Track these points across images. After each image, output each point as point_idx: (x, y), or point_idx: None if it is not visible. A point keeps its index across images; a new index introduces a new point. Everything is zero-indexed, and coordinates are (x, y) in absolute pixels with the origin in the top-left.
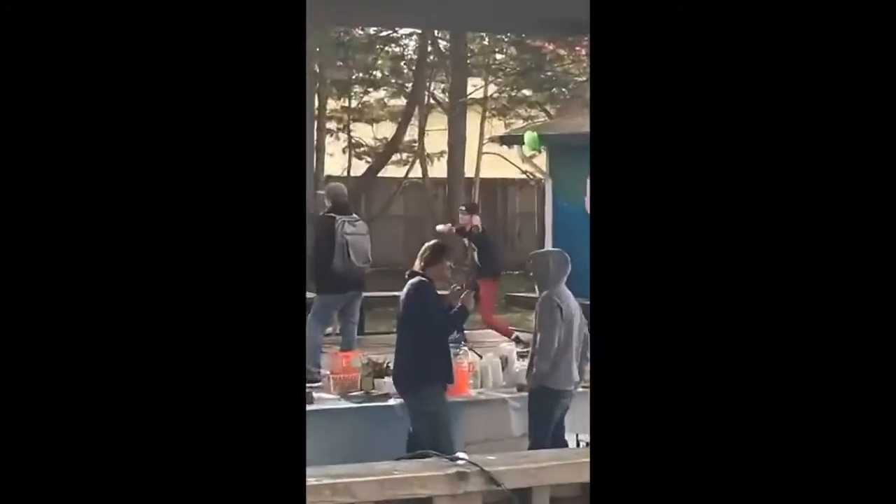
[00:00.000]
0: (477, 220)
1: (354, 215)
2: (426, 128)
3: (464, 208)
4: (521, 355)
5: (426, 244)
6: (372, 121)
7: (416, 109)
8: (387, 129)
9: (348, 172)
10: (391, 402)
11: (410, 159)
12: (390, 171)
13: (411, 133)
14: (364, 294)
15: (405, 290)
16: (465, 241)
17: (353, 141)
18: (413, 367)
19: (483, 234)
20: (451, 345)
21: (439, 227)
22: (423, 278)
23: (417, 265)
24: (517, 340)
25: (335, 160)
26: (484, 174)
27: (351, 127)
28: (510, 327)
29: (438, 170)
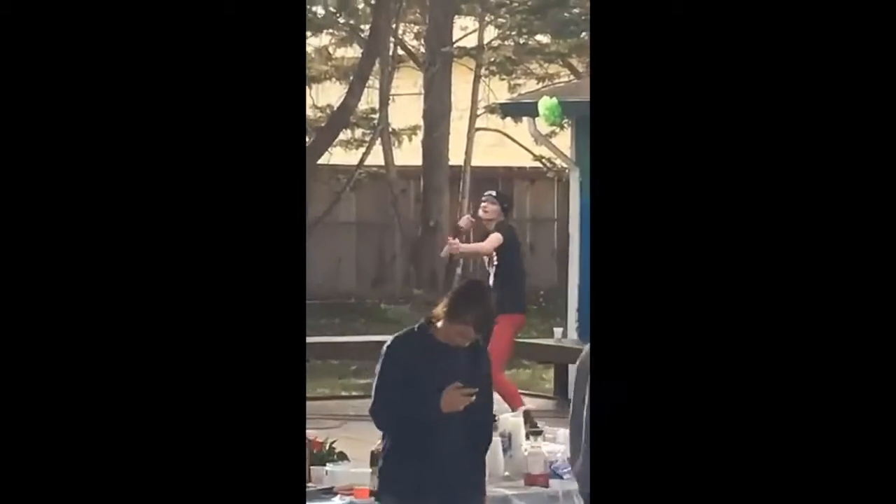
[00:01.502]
0: (488, 211)
1: None
2: (392, 92)
3: (493, 195)
4: (532, 433)
5: (464, 283)
6: (310, 80)
7: (377, 64)
8: (332, 93)
9: None
10: (338, 500)
11: (367, 138)
12: (338, 155)
13: (369, 99)
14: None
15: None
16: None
17: None
18: (387, 471)
19: (510, 240)
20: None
21: (459, 228)
22: (419, 329)
23: (440, 308)
24: (528, 419)
25: None
26: (478, 161)
27: None
28: (520, 396)
29: (409, 154)
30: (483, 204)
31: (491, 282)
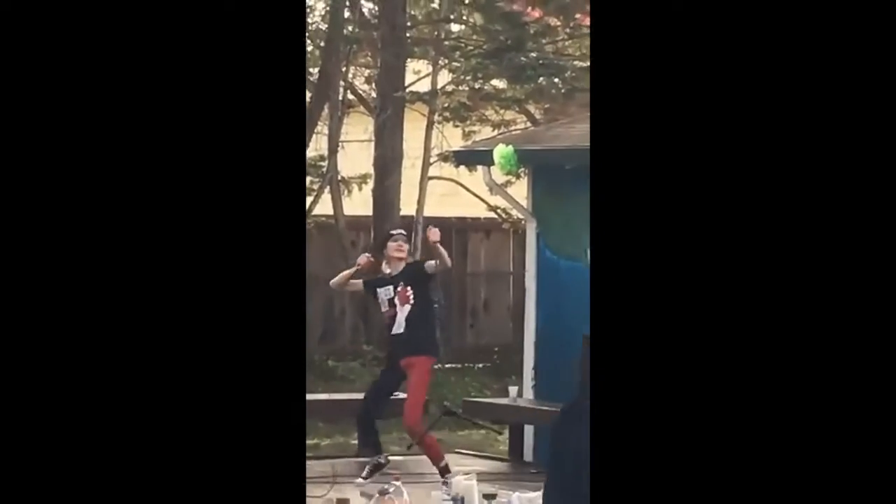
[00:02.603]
0: (403, 249)
1: None
2: (341, 138)
3: (404, 233)
4: (487, 496)
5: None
6: None
7: (326, 109)
8: None
9: None
10: None
11: (316, 186)
12: None
13: (317, 146)
14: None
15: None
16: (384, 291)
17: None
18: None
19: (418, 270)
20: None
21: (358, 265)
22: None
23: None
24: (443, 475)
25: None
26: (430, 211)
27: None
28: (439, 448)
29: (359, 203)
30: (398, 243)
31: (404, 320)
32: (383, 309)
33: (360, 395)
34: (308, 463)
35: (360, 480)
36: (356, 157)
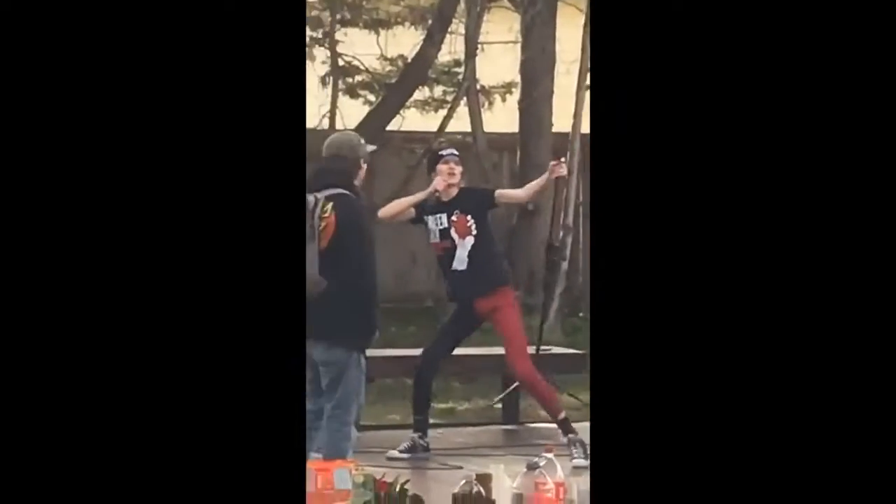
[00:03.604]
0: (456, 172)
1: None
2: (481, 39)
3: (456, 154)
4: None
5: None
6: (378, 25)
7: (462, 3)
8: (405, 41)
9: (331, 122)
10: None
11: (450, 98)
12: (411, 119)
13: (452, 49)
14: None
15: None
16: (434, 220)
17: (340, 63)
18: None
19: (479, 197)
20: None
21: (395, 205)
22: None
23: None
24: (565, 431)
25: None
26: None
27: (337, 37)
28: (557, 397)
29: (503, 119)
30: (449, 165)
31: (466, 256)
32: (432, 240)
33: (502, 350)
34: (444, 432)
35: (393, 453)
36: (499, 61)
